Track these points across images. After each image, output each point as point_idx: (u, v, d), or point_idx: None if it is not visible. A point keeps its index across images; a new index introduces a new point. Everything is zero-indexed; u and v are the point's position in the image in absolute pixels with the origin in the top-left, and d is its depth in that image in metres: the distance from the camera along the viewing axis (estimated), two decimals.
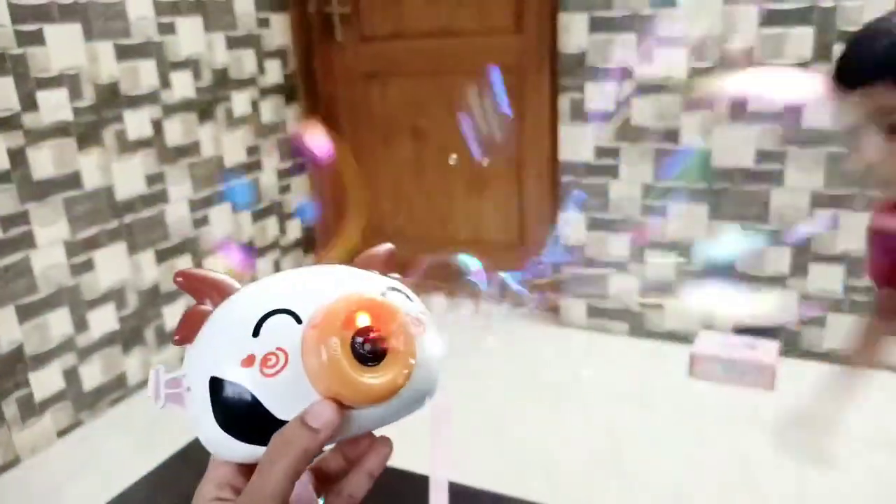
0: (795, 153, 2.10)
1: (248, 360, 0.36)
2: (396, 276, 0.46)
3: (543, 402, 2.11)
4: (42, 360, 2.00)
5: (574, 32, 2.25)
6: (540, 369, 2.29)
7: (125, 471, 1.73)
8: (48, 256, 1.99)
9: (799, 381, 2.11)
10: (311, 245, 3.04)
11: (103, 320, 2.16)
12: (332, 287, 0.39)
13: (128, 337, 2.25)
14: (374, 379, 0.36)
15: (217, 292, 0.41)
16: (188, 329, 0.40)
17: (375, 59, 2.81)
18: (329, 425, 0.35)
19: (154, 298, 2.32)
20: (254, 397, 0.36)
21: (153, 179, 2.27)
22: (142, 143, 2.22)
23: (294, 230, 2.94)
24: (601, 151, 2.33)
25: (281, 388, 0.36)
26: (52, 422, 2.04)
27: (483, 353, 2.29)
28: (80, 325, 2.10)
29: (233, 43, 2.52)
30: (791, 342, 2.25)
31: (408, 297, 0.42)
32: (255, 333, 0.37)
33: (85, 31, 2.02)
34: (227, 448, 0.38)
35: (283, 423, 0.36)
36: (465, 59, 2.63)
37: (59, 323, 2.04)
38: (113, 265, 2.17)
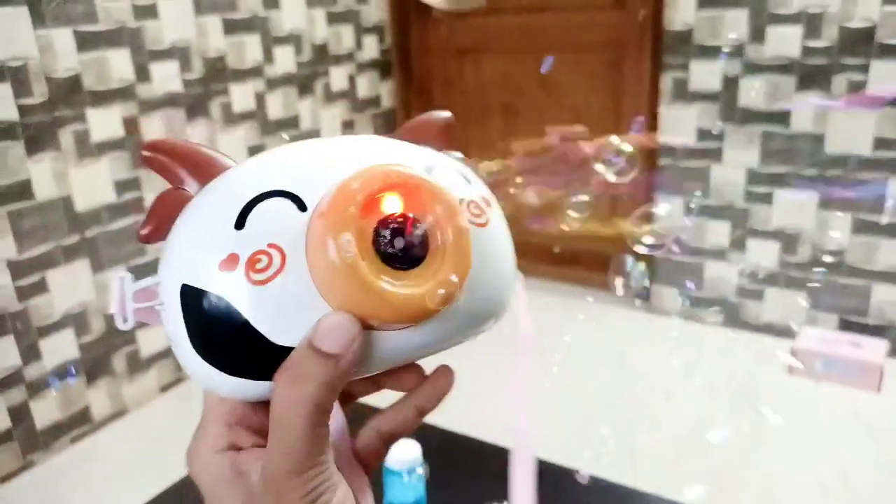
0: None
1: (230, 262, 0.26)
2: (458, 154, 0.33)
3: (629, 388, 2.07)
4: None
5: (681, 8, 2.16)
6: (627, 355, 2.25)
7: None
8: None
9: None
10: None
11: None
12: (355, 161, 0.27)
13: None
14: (406, 288, 0.25)
15: (200, 171, 0.29)
16: (161, 219, 0.29)
17: (470, 35, 2.78)
18: (350, 344, 0.25)
19: None
20: (238, 313, 0.26)
21: (254, 151, 2.34)
22: (245, 116, 2.30)
23: None
24: (703, 133, 2.24)
25: (276, 301, 0.26)
26: (156, 377, 2.16)
27: (572, 335, 2.26)
28: None
29: (332, 18, 2.56)
30: None
31: (467, 180, 0.30)
32: (240, 225, 0.26)
33: (195, 4, 2.10)
34: (215, 382, 0.28)
35: (281, 349, 0.26)
36: (560, 35, 2.58)
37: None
38: None
